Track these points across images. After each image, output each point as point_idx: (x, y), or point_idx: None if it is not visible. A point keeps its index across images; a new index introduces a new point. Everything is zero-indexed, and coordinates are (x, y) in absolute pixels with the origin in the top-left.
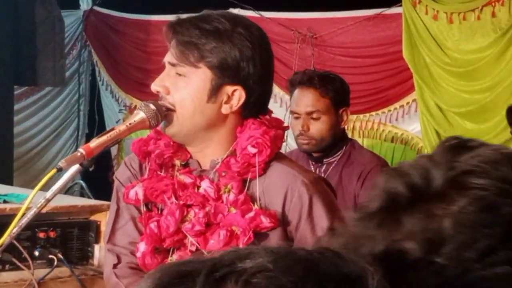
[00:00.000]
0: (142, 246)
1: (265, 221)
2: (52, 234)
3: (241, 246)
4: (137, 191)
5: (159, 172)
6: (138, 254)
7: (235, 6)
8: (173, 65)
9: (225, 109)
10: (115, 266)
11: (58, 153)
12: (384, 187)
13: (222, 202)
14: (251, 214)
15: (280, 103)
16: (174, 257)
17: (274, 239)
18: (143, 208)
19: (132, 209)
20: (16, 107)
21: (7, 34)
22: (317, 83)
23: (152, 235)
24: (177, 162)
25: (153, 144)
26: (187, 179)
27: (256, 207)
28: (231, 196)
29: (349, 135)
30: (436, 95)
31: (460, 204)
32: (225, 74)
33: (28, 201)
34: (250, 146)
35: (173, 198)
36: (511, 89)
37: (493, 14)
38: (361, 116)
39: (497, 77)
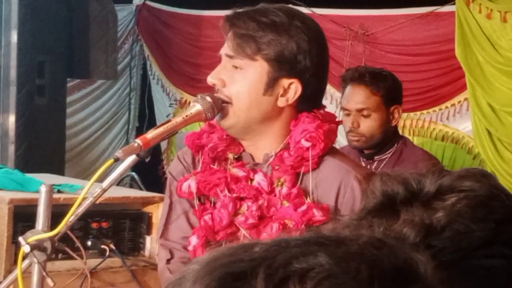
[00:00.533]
0: (193, 240)
1: (318, 214)
2: (104, 225)
3: None
4: (190, 184)
5: (212, 166)
6: (190, 248)
7: (287, 2)
8: (230, 57)
9: (281, 102)
10: (168, 261)
11: (109, 146)
12: (381, 190)
13: (275, 195)
14: (304, 207)
15: (330, 100)
16: None
17: None
18: (196, 201)
19: (185, 203)
20: (68, 99)
21: (61, 28)
22: (368, 80)
23: (206, 228)
24: (230, 156)
25: (206, 137)
26: (240, 173)
27: (308, 200)
28: (284, 190)
29: (400, 133)
30: (489, 94)
31: (454, 200)
32: (282, 67)
33: (85, 191)
34: (304, 140)
35: (226, 191)
36: None
37: None
38: (412, 114)
39: None
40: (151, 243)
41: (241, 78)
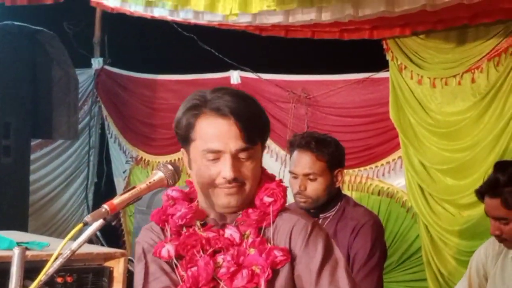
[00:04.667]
0: None
1: (279, 255)
2: (69, 279)
3: (262, 282)
4: (169, 249)
5: (182, 232)
6: None
7: (235, 68)
8: (244, 150)
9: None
10: None
11: (69, 200)
12: None
13: (242, 246)
14: (266, 250)
15: (275, 158)
16: None
17: (283, 274)
18: (174, 261)
19: (159, 260)
20: (31, 157)
21: (26, 92)
22: (314, 147)
23: (194, 278)
24: (197, 223)
25: (170, 208)
26: (210, 234)
27: (269, 245)
28: (250, 240)
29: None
30: (420, 153)
31: None
32: (266, 137)
33: (56, 254)
34: (266, 196)
35: (201, 252)
36: (489, 149)
37: (473, 80)
38: (350, 171)
39: (476, 137)
40: None
41: (252, 162)
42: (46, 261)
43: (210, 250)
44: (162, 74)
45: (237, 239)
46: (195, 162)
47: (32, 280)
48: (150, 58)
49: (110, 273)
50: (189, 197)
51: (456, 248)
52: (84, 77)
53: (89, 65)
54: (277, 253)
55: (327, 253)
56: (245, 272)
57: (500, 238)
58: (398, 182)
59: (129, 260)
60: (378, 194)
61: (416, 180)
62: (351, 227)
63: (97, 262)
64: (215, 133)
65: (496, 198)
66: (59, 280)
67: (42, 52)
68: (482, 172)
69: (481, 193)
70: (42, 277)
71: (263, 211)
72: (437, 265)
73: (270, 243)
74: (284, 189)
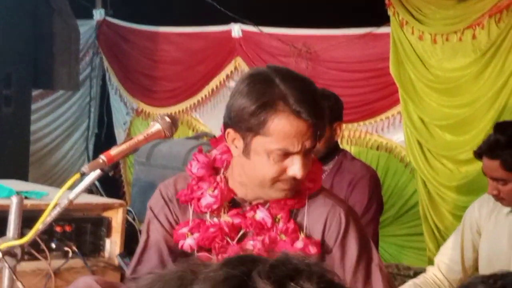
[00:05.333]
0: None
1: (312, 251)
2: (67, 228)
3: None
4: (190, 244)
5: (202, 217)
6: None
7: (236, 21)
8: (313, 146)
9: None
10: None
11: (70, 151)
12: None
13: (273, 230)
14: (300, 244)
15: None
16: None
17: None
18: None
19: (162, 244)
20: (32, 107)
21: (27, 42)
22: None
23: None
24: (225, 204)
25: (197, 190)
26: (235, 220)
27: (302, 235)
28: (281, 225)
29: (339, 143)
30: (419, 108)
31: None
32: None
33: (54, 202)
34: (308, 181)
35: (226, 238)
36: (488, 105)
37: (474, 37)
38: (350, 125)
39: (475, 94)
40: (110, 245)
41: (311, 155)
42: (44, 211)
43: (240, 235)
44: (164, 26)
45: (269, 224)
46: (256, 154)
47: (31, 228)
48: (151, 10)
49: (108, 223)
50: (214, 167)
51: (453, 203)
52: (85, 28)
53: (90, 16)
54: (311, 249)
55: (362, 249)
56: None
57: (498, 197)
58: (397, 137)
59: (128, 210)
60: (377, 149)
61: (415, 135)
62: (348, 180)
63: (96, 212)
64: (293, 134)
65: (495, 159)
66: (57, 229)
67: (43, 3)
68: (481, 128)
69: (480, 154)
70: (39, 225)
71: (298, 194)
72: (434, 219)
73: (303, 230)
74: (321, 169)
